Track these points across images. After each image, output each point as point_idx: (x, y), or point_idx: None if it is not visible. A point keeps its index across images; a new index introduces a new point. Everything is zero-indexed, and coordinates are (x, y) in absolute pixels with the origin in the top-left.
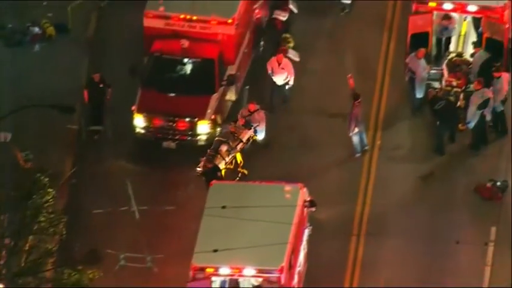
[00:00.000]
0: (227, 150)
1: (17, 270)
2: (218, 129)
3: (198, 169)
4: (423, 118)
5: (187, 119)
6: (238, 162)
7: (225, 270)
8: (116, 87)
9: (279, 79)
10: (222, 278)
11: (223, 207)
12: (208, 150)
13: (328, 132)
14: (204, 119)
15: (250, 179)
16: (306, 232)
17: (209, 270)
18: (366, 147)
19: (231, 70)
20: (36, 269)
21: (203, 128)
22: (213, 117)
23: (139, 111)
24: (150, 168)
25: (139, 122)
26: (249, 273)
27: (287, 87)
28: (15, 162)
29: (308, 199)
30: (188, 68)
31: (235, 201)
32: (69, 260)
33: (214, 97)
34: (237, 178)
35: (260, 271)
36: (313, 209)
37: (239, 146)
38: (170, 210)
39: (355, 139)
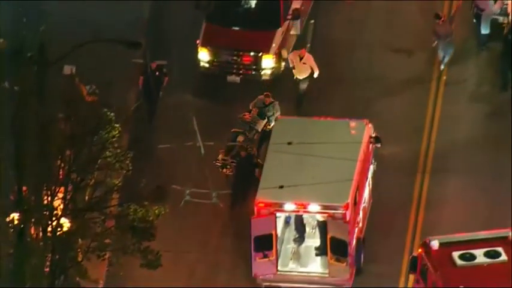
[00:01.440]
0: (244, 141)
1: (82, 205)
2: (283, 63)
3: (218, 163)
4: (489, 54)
5: (251, 53)
6: (253, 153)
7: (289, 206)
8: (181, 21)
9: (300, 74)
10: (286, 214)
11: (289, 143)
12: (227, 144)
13: (393, 67)
14: (269, 53)
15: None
16: (371, 168)
17: (274, 206)
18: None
19: (296, 4)
20: (102, 205)
21: (268, 62)
22: (277, 51)
23: (204, 45)
24: (215, 102)
25: (203, 56)
26: (314, 210)
27: (302, 85)
28: (80, 96)
29: (373, 135)
30: (253, 2)
31: (300, 137)
32: (134, 196)
33: (279, 31)
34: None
35: (325, 207)
36: (379, 145)
37: (256, 136)
38: None
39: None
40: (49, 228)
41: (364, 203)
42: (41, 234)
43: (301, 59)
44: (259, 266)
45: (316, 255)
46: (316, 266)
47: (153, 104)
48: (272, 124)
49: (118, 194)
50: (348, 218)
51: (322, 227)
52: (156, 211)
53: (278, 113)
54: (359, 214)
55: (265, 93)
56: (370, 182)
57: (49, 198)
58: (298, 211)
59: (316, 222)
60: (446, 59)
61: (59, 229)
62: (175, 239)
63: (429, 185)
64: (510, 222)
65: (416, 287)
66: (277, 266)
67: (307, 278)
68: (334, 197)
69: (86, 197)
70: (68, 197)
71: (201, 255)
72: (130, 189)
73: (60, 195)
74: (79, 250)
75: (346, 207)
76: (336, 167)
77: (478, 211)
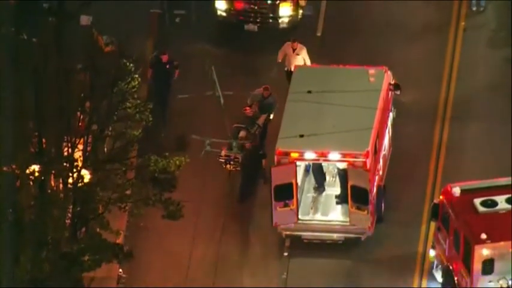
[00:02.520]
0: (247, 136)
1: (103, 156)
2: (300, 11)
3: (222, 159)
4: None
5: (269, 1)
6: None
7: (309, 155)
8: None
9: (293, 65)
10: (306, 163)
11: (309, 92)
12: (230, 140)
13: (411, 14)
14: (286, 1)
15: None
16: (391, 116)
17: (294, 155)
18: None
19: None
20: (122, 156)
21: (285, 11)
22: None
23: None
24: (233, 52)
25: (220, 4)
26: (334, 158)
27: None
28: (99, 47)
29: (392, 82)
30: None
31: (319, 85)
32: (155, 147)
33: None
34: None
35: (345, 156)
36: (398, 92)
37: (258, 131)
38: None
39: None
40: (70, 180)
41: (384, 150)
42: (61, 186)
43: (294, 50)
44: (280, 215)
45: (337, 203)
46: (336, 214)
47: (164, 103)
48: (271, 117)
49: (139, 145)
50: (368, 166)
51: (343, 175)
52: (177, 162)
53: (277, 105)
54: (379, 162)
55: (263, 87)
56: (390, 130)
57: (69, 150)
58: (318, 160)
59: (336, 170)
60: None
61: (79, 181)
62: (196, 189)
63: (449, 131)
64: None
65: (437, 234)
66: (297, 215)
67: (327, 226)
68: (354, 145)
69: (106, 149)
70: (89, 148)
71: (223, 206)
72: (152, 140)
73: (81, 147)
74: (100, 202)
75: (367, 155)
76: (355, 115)
77: (499, 157)
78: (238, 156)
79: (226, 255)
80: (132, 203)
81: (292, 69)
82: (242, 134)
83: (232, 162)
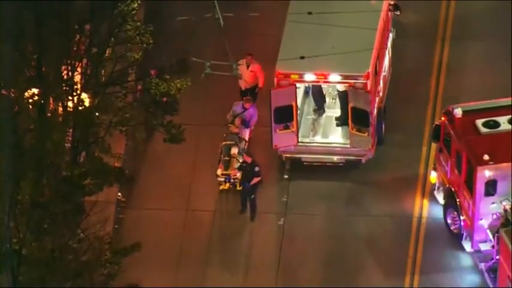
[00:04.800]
0: (239, 153)
1: (104, 80)
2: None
3: (220, 179)
4: None
5: None
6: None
7: (309, 77)
8: None
9: (247, 83)
10: (306, 85)
11: (309, 13)
12: (222, 157)
13: None
14: None
15: None
16: (390, 36)
17: (294, 77)
18: None
19: None
20: (123, 79)
21: None
22: None
23: None
24: None
25: None
26: (335, 79)
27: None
28: None
29: (392, 3)
30: None
31: (318, 6)
32: (156, 70)
33: None
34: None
35: (346, 77)
36: (398, 12)
37: (246, 146)
38: (254, 17)
39: None
40: (69, 104)
41: (384, 72)
42: (61, 109)
43: (248, 66)
44: (280, 137)
45: (337, 125)
46: (337, 136)
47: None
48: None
49: (139, 68)
50: (369, 88)
51: (343, 97)
52: (178, 84)
53: (256, 116)
54: (379, 83)
55: (245, 98)
56: (390, 51)
57: (69, 73)
58: (318, 81)
59: (336, 92)
60: None
61: (79, 104)
62: (197, 112)
63: (449, 52)
64: None
65: (439, 156)
66: (297, 137)
67: (328, 149)
68: (354, 66)
69: (103, 72)
70: (88, 71)
71: (224, 128)
72: (151, 64)
73: (81, 70)
74: (101, 125)
75: (367, 76)
76: (356, 37)
77: (500, 78)
78: (237, 174)
79: None
80: (133, 127)
81: (246, 88)
82: (234, 150)
83: (231, 181)
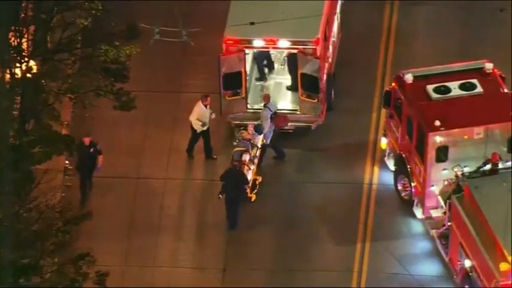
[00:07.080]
0: (250, 160)
1: (52, 46)
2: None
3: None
4: None
5: None
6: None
7: (258, 42)
8: None
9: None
10: (255, 51)
11: None
12: (235, 162)
13: None
14: None
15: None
16: (339, 2)
17: (242, 43)
18: None
19: None
20: (72, 46)
21: None
22: None
23: None
24: None
25: None
26: (284, 45)
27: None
28: None
29: None
30: None
31: None
32: (105, 36)
33: None
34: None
35: (295, 43)
36: None
37: (258, 153)
38: None
39: None
40: (17, 71)
41: (333, 37)
42: (8, 76)
43: (206, 106)
44: (229, 104)
45: (287, 89)
46: (286, 103)
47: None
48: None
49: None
50: (318, 54)
51: (292, 63)
52: (127, 51)
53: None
54: (329, 49)
55: (264, 94)
56: (339, 16)
57: (17, 40)
58: (267, 47)
59: (285, 59)
60: None
61: (28, 71)
62: (147, 79)
63: (399, 16)
64: (483, 54)
65: (389, 122)
66: (247, 104)
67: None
68: (304, 32)
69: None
70: (37, 38)
71: (174, 94)
72: (101, 30)
73: (29, 36)
74: (50, 92)
75: (317, 42)
76: (305, 2)
77: (451, 42)
78: None
79: (178, 144)
80: (82, 94)
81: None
82: (245, 157)
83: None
